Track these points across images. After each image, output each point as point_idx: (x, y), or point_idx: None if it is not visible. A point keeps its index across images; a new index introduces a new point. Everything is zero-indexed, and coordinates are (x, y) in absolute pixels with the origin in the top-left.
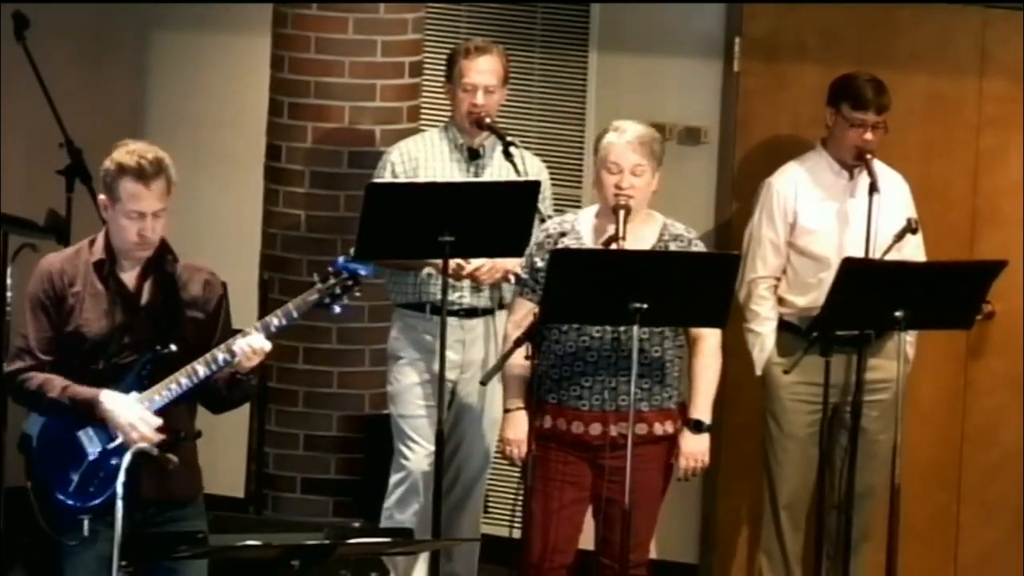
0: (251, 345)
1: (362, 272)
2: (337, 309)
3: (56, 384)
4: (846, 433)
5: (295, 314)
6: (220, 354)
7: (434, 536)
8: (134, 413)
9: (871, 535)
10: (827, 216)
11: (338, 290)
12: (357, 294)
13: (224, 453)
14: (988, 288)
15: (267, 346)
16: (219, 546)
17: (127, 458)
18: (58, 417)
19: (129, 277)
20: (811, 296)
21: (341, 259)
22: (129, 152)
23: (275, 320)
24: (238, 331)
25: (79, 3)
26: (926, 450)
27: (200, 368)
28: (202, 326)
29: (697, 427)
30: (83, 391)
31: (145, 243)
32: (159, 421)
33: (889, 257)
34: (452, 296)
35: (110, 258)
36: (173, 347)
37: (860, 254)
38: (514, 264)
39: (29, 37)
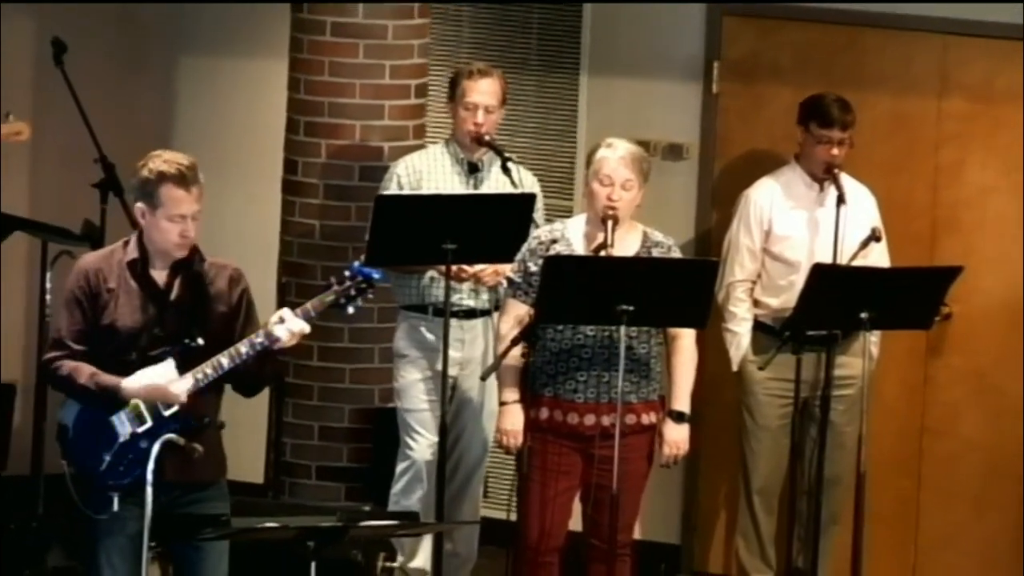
0: (292, 330)
1: (375, 276)
2: (351, 310)
3: (84, 371)
4: (815, 425)
5: (313, 313)
6: (243, 347)
7: (437, 519)
8: (154, 376)
9: (839, 519)
10: (799, 225)
11: (353, 292)
12: (370, 296)
13: (245, 442)
14: (946, 291)
15: (307, 328)
16: (240, 528)
17: (156, 447)
18: (86, 401)
19: (160, 275)
20: (783, 298)
21: (356, 264)
22: (166, 161)
23: (311, 308)
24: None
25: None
26: (889, 441)
27: (225, 360)
28: (228, 318)
29: (679, 417)
30: (107, 378)
31: (186, 242)
32: (189, 384)
33: (855, 263)
34: (453, 298)
35: (143, 257)
36: (200, 340)
37: (828, 260)
38: (506, 267)
39: (66, 61)
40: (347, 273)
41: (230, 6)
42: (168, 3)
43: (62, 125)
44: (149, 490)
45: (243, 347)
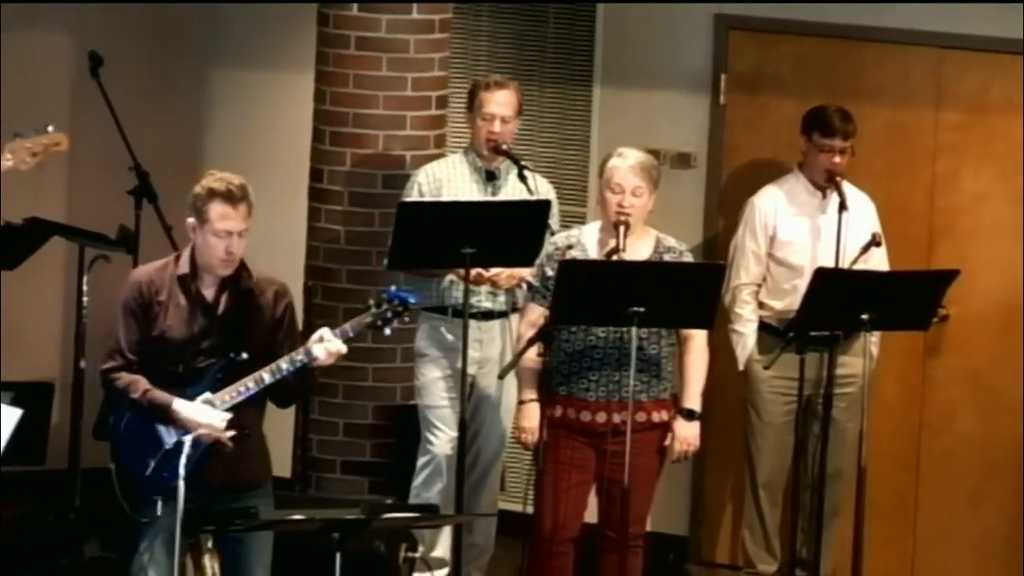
0: (329, 350)
1: (411, 300)
2: (388, 331)
3: (140, 386)
4: (818, 422)
5: (351, 333)
6: (284, 364)
7: (457, 511)
8: (202, 418)
9: (840, 511)
10: (802, 230)
11: (389, 315)
12: (406, 319)
13: (274, 439)
14: (943, 294)
15: (344, 349)
16: (269, 520)
17: (186, 448)
18: (137, 413)
19: (209, 290)
20: (786, 301)
21: (393, 288)
22: (218, 179)
23: (349, 328)
24: (304, 335)
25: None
26: (889, 437)
27: (266, 375)
28: (271, 332)
29: (689, 415)
30: (160, 397)
31: (231, 259)
32: (227, 416)
33: (856, 267)
34: (471, 300)
35: (193, 272)
36: (244, 355)
37: (831, 264)
38: (528, 272)
39: (102, 74)
40: (384, 296)
41: (259, 22)
42: (200, 18)
43: (98, 135)
44: (181, 484)
45: (284, 363)
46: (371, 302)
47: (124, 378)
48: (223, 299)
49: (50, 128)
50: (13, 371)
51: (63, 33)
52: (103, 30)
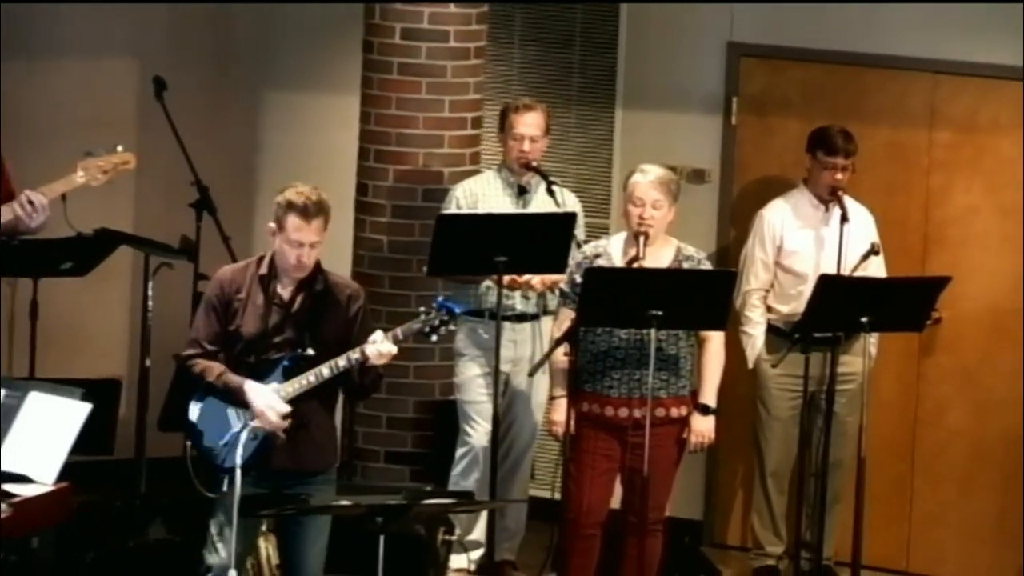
0: (380, 351)
1: (457, 310)
2: (435, 338)
3: (215, 370)
4: (821, 416)
5: (401, 337)
6: (342, 361)
7: (491, 498)
8: (266, 401)
9: (841, 498)
10: (807, 241)
11: (436, 323)
12: (452, 328)
13: None
14: (936, 299)
15: (394, 350)
16: (318, 505)
17: (244, 435)
18: (213, 396)
19: (285, 290)
20: (792, 305)
21: (441, 298)
22: (298, 192)
23: (399, 331)
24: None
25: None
26: (886, 430)
27: (325, 370)
28: (344, 332)
29: (705, 410)
30: (233, 379)
31: (301, 267)
32: (287, 408)
33: (857, 274)
34: (505, 304)
35: (271, 273)
36: (311, 351)
37: (833, 271)
38: (559, 278)
39: (165, 97)
40: (433, 305)
41: (309, 49)
42: (255, 46)
43: (162, 153)
44: (238, 472)
45: (341, 360)
46: (421, 310)
47: (200, 363)
48: (299, 299)
49: (119, 147)
50: (84, 369)
51: (130, 60)
52: (167, 57)
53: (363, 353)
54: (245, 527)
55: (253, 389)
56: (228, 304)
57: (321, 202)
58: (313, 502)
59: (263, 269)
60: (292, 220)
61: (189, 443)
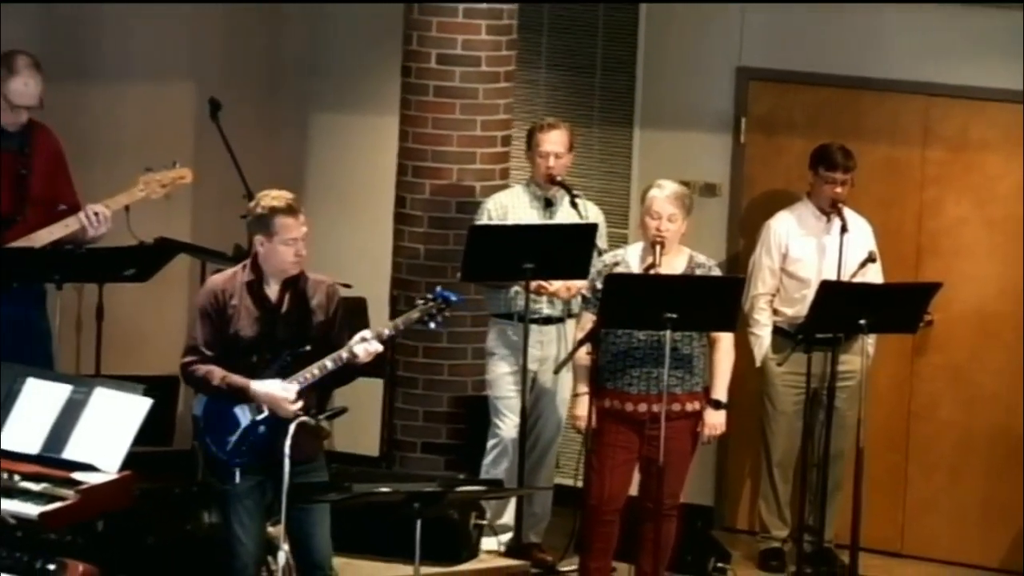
0: (368, 350)
1: (452, 299)
2: (432, 326)
3: (216, 374)
4: (823, 410)
5: (402, 327)
6: (344, 353)
7: (519, 485)
8: (275, 392)
9: (842, 486)
10: (809, 249)
11: (434, 311)
12: (447, 315)
13: (364, 423)
14: (928, 303)
15: (380, 349)
16: (361, 492)
17: (292, 428)
18: (217, 397)
19: (272, 292)
20: (796, 308)
21: (439, 288)
22: (274, 197)
23: (385, 331)
24: (352, 327)
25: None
26: (882, 423)
27: (329, 363)
28: (325, 326)
29: (717, 405)
30: (236, 380)
31: (300, 260)
32: (294, 393)
33: (855, 280)
34: (532, 308)
35: (258, 278)
36: (307, 347)
37: (834, 277)
38: (582, 285)
39: (220, 117)
40: (430, 295)
41: (352, 74)
42: (303, 70)
43: (217, 168)
44: (286, 463)
45: (344, 353)
46: (418, 301)
47: (201, 368)
48: (285, 299)
49: (176, 164)
50: (145, 367)
51: (188, 83)
52: (221, 80)
53: (352, 352)
54: (260, 517)
55: (259, 384)
56: (223, 311)
57: (295, 198)
58: (356, 489)
59: (248, 275)
60: (281, 221)
61: (196, 442)
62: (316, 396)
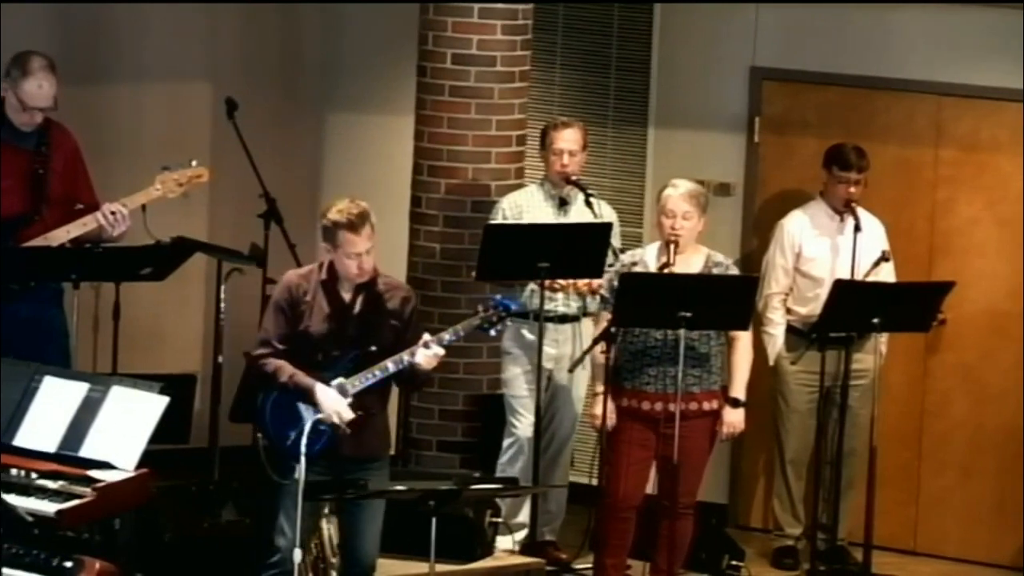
0: (426, 355)
1: (513, 307)
2: (492, 333)
3: (285, 371)
4: (836, 408)
5: (462, 333)
6: (406, 356)
7: (534, 483)
8: (334, 406)
9: (854, 483)
10: (823, 248)
11: (494, 319)
12: (508, 324)
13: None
14: (941, 302)
15: (441, 353)
16: (376, 490)
17: (307, 426)
18: (283, 393)
19: (346, 294)
20: (809, 307)
21: (498, 296)
22: (339, 210)
23: (447, 335)
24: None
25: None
26: (895, 421)
27: (390, 364)
28: (398, 330)
29: (735, 403)
30: (303, 380)
31: (363, 274)
32: (351, 415)
33: (868, 279)
34: (548, 306)
35: (333, 278)
36: (373, 348)
37: (847, 277)
38: (599, 282)
39: (236, 117)
40: (490, 303)
41: (368, 74)
42: (319, 70)
43: (234, 168)
44: (303, 459)
45: (406, 355)
46: (480, 307)
47: (272, 363)
48: (358, 301)
49: (194, 163)
50: (162, 365)
51: (204, 83)
52: (238, 80)
53: (412, 355)
54: (310, 510)
55: (322, 391)
56: (296, 306)
57: (363, 212)
58: (371, 487)
59: (324, 275)
60: (343, 236)
61: (260, 434)
62: (378, 396)
